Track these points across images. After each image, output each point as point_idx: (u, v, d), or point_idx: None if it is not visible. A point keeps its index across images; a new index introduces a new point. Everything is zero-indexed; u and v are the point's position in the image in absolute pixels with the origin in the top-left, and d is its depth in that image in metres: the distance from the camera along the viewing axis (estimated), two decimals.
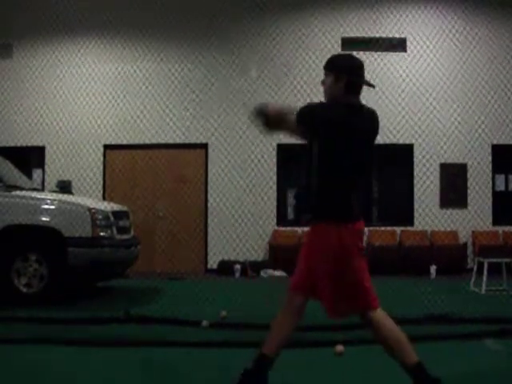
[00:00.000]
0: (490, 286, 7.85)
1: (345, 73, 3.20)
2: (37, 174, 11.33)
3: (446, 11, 10.87)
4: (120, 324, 5.61)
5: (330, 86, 3.24)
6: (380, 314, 3.17)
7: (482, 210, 10.52)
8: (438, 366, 4.29)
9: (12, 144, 10.89)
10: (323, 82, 3.29)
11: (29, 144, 11.02)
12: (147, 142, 10.86)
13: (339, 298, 3.19)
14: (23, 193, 7.22)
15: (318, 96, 3.47)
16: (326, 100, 3.28)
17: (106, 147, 11.16)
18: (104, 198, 10.72)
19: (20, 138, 10.94)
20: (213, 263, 10.93)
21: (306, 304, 3.26)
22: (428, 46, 10.65)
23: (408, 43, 11.01)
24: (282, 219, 11.11)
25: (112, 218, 7.32)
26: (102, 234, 7.09)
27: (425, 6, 10.82)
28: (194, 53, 10.70)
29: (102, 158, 11.21)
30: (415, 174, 10.85)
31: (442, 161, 10.80)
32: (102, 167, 11.22)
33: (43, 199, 7.21)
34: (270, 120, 3.32)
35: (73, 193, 9.86)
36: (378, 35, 10.79)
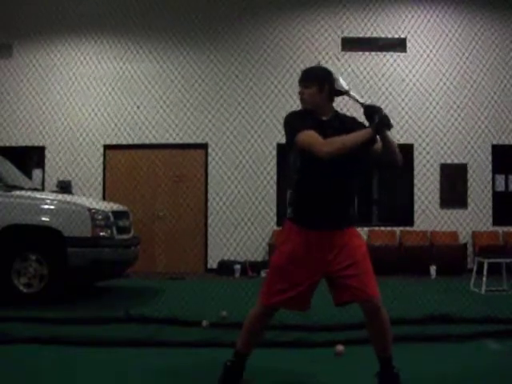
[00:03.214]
0: (490, 287, 7.85)
1: (327, 83, 3.41)
2: (37, 174, 11.32)
3: (445, 11, 10.86)
4: (120, 324, 5.62)
5: (313, 96, 3.40)
6: None
7: (482, 210, 10.52)
8: (438, 366, 4.30)
9: (12, 144, 10.89)
10: (302, 93, 3.44)
11: (29, 144, 11.02)
12: (147, 142, 10.85)
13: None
14: (23, 193, 7.21)
15: None
16: (306, 109, 3.46)
17: (106, 147, 11.16)
18: (104, 198, 10.71)
19: (20, 138, 10.94)
20: (213, 263, 10.93)
21: None
22: (428, 46, 10.64)
23: (408, 43, 11.02)
24: (281, 219, 11.11)
25: (112, 218, 7.32)
26: (101, 233, 7.09)
27: (425, 6, 10.81)
28: (195, 53, 10.69)
29: (102, 158, 11.21)
30: (415, 173, 10.85)
31: (442, 161, 10.80)
32: (102, 167, 11.22)
33: (43, 199, 7.21)
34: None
35: (73, 193, 9.86)
36: (377, 35, 10.80)
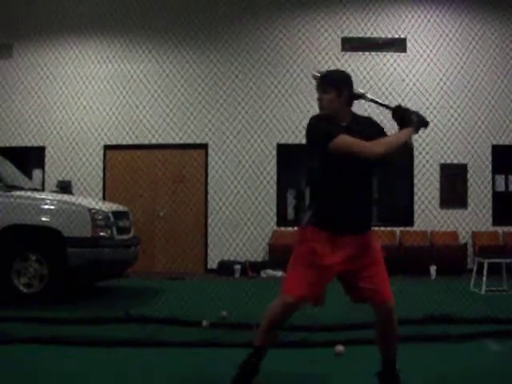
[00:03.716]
0: (490, 287, 7.85)
1: (346, 87, 3.36)
2: (37, 174, 11.32)
3: (445, 11, 10.87)
4: (120, 324, 5.62)
5: (332, 102, 3.34)
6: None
7: (481, 210, 10.52)
8: (438, 366, 4.30)
9: (12, 144, 10.89)
10: (321, 99, 3.37)
11: (29, 144, 11.01)
12: (147, 142, 10.85)
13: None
14: (23, 193, 7.22)
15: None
16: (325, 114, 3.38)
17: (106, 147, 11.16)
18: (104, 198, 10.71)
19: (20, 138, 10.92)
20: (213, 263, 10.93)
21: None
22: (428, 46, 10.64)
23: (408, 43, 11.02)
24: (282, 219, 11.11)
25: (112, 218, 7.32)
26: (101, 234, 7.09)
27: (425, 6, 10.81)
28: (195, 53, 10.69)
29: (102, 158, 11.22)
30: (415, 173, 10.84)
31: (442, 161, 10.79)
32: (102, 167, 11.22)
33: (43, 199, 7.21)
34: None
35: (73, 193, 9.86)
36: (377, 35, 10.79)
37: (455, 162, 10.83)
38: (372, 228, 3.47)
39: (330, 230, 3.31)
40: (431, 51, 10.48)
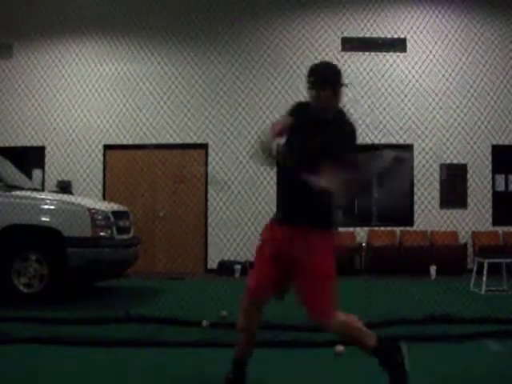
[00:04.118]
0: (490, 287, 7.85)
1: (341, 85, 3.28)
2: (37, 174, 11.33)
3: (445, 11, 10.86)
4: (120, 324, 5.62)
5: (329, 99, 3.25)
6: None
7: (481, 210, 10.52)
8: (438, 366, 4.30)
9: (12, 144, 10.89)
10: (318, 97, 3.23)
11: (29, 144, 11.02)
12: (147, 142, 10.85)
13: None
14: (23, 193, 7.22)
15: None
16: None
17: (106, 147, 11.16)
18: (104, 198, 10.71)
19: (20, 138, 10.93)
20: (213, 263, 10.92)
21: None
22: (428, 46, 10.64)
23: (408, 43, 11.01)
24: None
25: (112, 218, 7.32)
26: (101, 234, 7.10)
27: (424, 6, 10.82)
28: (195, 53, 10.69)
29: (101, 158, 11.22)
30: (415, 173, 10.85)
31: (442, 161, 10.80)
32: (102, 167, 11.22)
33: (43, 199, 7.21)
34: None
35: (73, 193, 9.87)
36: (377, 35, 10.80)
37: (455, 162, 10.84)
38: (323, 229, 3.27)
39: (276, 221, 3.36)
40: (431, 51, 10.48)
